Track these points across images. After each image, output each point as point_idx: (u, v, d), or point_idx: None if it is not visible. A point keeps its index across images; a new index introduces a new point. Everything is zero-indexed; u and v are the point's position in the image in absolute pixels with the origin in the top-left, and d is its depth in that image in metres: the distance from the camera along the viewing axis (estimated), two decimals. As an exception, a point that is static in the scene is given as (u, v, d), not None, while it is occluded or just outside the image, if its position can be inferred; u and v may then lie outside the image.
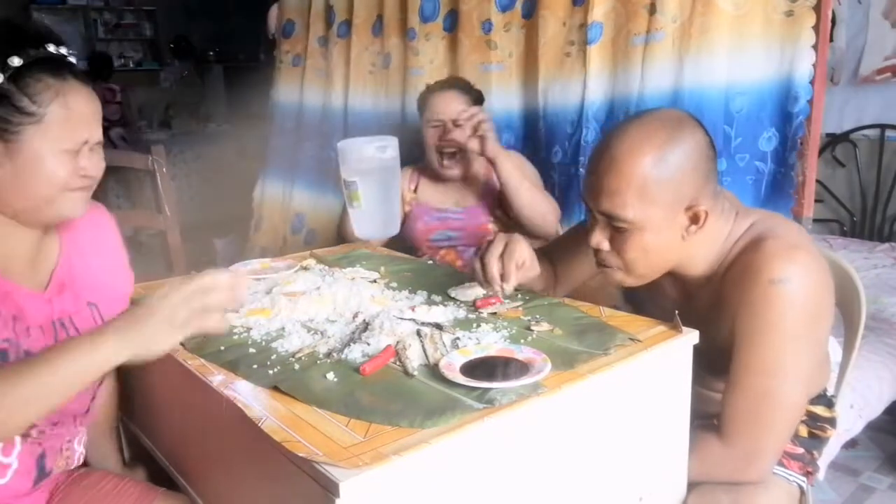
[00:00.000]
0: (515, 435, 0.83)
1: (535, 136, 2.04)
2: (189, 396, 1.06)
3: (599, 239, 1.09)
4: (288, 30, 2.91)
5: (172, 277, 1.52)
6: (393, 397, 0.85)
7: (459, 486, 0.79)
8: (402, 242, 1.92)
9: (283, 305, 1.18)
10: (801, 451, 1.18)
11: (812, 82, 1.52)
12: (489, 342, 1.01)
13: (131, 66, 6.95)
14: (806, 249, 1.02)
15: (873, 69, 3.13)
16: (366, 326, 1.07)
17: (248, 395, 0.89)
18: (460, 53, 2.17)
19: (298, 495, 0.77)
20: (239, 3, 6.29)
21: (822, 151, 3.23)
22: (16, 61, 0.91)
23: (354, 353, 0.98)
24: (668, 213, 1.03)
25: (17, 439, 0.99)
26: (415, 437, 0.76)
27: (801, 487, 1.16)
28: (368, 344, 1.01)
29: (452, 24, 2.22)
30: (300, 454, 0.72)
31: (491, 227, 1.90)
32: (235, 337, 1.10)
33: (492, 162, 1.76)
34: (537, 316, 1.13)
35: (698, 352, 1.04)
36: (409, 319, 1.08)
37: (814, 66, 1.51)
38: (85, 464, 1.19)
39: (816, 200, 2.02)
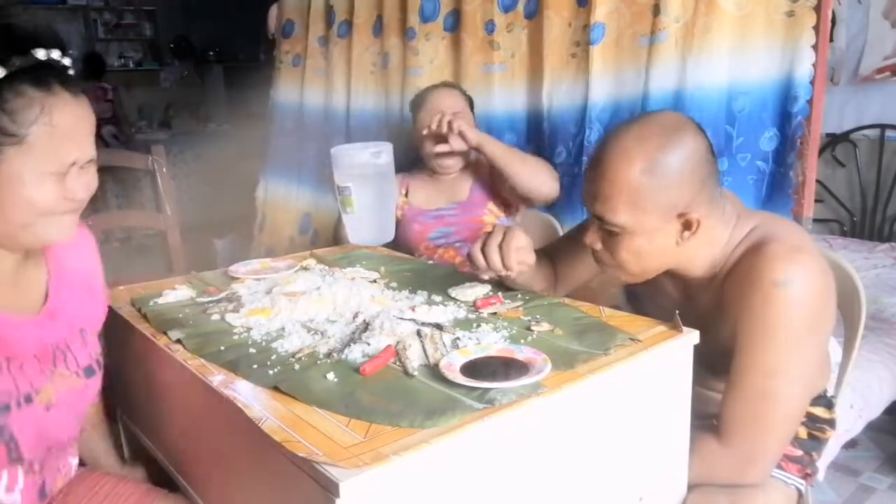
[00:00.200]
0: (515, 435, 0.83)
1: (538, 136, 2.04)
2: (189, 396, 1.06)
3: (593, 239, 1.11)
4: (288, 30, 2.91)
5: (172, 277, 1.53)
6: (393, 397, 0.85)
7: (459, 486, 0.79)
8: (398, 249, 1.93)
9: (283, 305, 1.18)
10: (799, 453, 1.18)
11: (812, 82, 1.52)
12: (489, 342, 1.01)
13: (131, 66, 6.95)
14: (808, 252, 1.02)
15: (873, 69, 3.13)
16: (366, 326, 1.07)
17: (248, 395, 0.89)
18: (463, 53, 2.17)
19: (298, 495, 0.77)
20: (239, 3, 6.28)
21: (822, 151, 3.23)
22: None
23: (354, 353, 0.98)
24: (659, 219, 1.03)
25: (20, 476, 0.97)
26: (415, 437, 0.76)
27: (799, 490, 1.16)
28: (368, 344, 1.01)
29: (454, 24, 2.22)
30: (300, 454, 0.72)
31: (486, 218, 1.91)
32: (235, 337, 1.10)
33: (479, 149, 1.78)
34: (537, 316, 1.13)
35: (699, 352, 1.04)
36: (409, 319, 1.08)
37: (814, 66, 1.51)
38: (82, 463, 1.19)
39: (816, 200, 2.02)
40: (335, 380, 0.91)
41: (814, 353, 1.06)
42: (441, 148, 1.84)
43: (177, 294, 1.32)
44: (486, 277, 1.25)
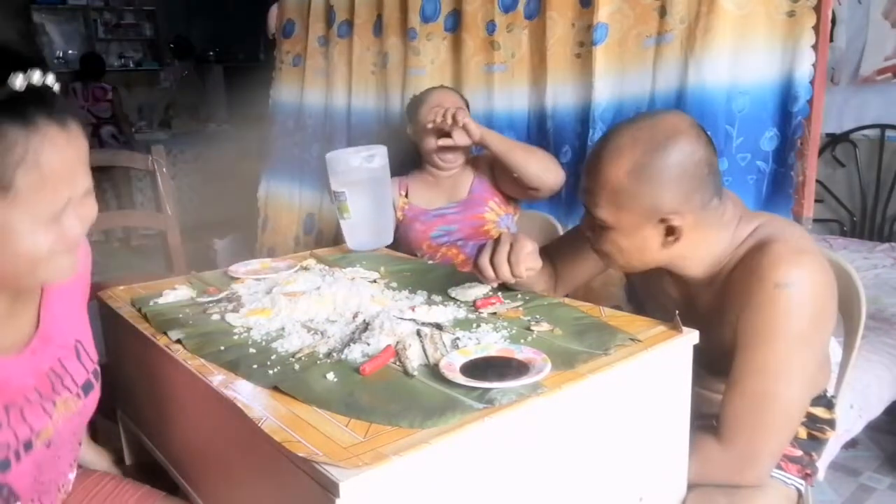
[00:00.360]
0: (515, 435, 0.83)
1: (541, 136, 2.05)
2: (189, 396, 1.06)
3: (584, 227, 1.15)
4: (288, 30, 2.91)
5: (172, 277, 1.53)
6: (393, 397, 0.85)
7: (459, 486, 0.79)
8: (400, 249, 1.93)
9: (283, 305, 1.18)
10: (799, 453, 1.18)
11: (812, 82, 1.52)
12: (489, 342, 1.01)
13: (131, 66, 6.96)
14: (811, 253, 1.02)
15: (874, 69, 3.14)
16: (366, 326, 1.07)
17: (248, 395, 0.89)
18: (464, 53, 2.17)
19: (298, 495, 0.77)
20: (239, 3, 6.30)
21: (822, 151, 3.23)
22: None
23: (354, 353, 0.98)
24: (640, 220, 1.04)
25: None
26: (415, 437, 0.76)
27: (798, 490, 1.16)
28: (368, 344, 1.01)
29: (455, 24, 2.22)
30: (300, 454, 0.72)
31: (487, 215, 1.91)
32: (235, 337, 1.10)
33: (483, 142, 1.78)
34: (537, 316, 1.13)
35: (700, 352, 1.04)
36: (409, 319, 1.08)
37: (814, 66, 1.51)
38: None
39: (816, 200, 2.02)
40: (335, 380, 0.91)
41: (815, 354, 1.06)
42: (445, 142, 1.84)
43: (177, 294, 1.32)
44: (494, 286, 1.25)
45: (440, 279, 1.36)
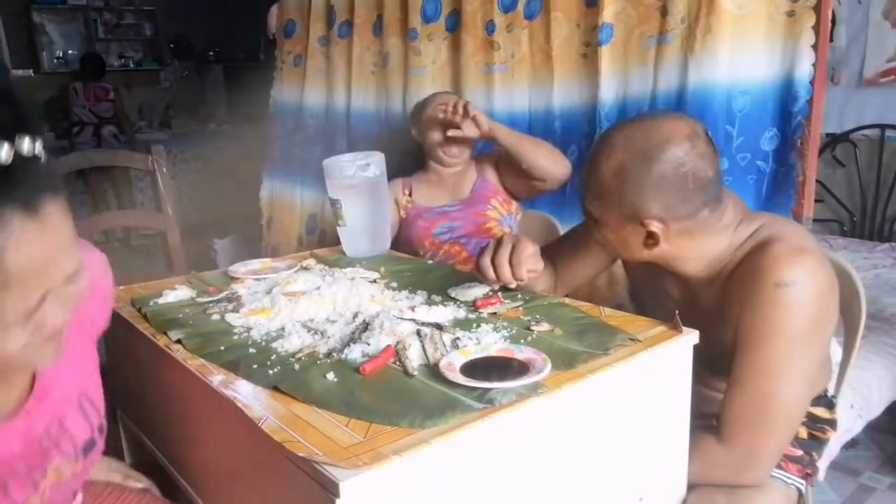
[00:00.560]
0: (515, 435, 0.83)
1: (547, 135, 2.05)
2: (189, 396, 1.06)
3: (584, 212, 1.17)
4: (289, 30, 2.91)
5: (172, 277, 1.53)
6: (393, 397, 0.85)
7: (459, 486, 0.79)
8: (403, 248, 1.94)
9: (283, 305, 1.18)
10: (799, 453, 1.18)
11: (812, 82, 1.52)
12: (489, 342, 1.01)
13: (131, 66, 6.95)
14: (812, 253, 1.02)
15: (877, 71, 3.13)
16: (366, 326, 1.07)
17: (248, 395, 0.89)
18: (464, 53, 2.17)
19: (298, 495, 0.77)
20: (239, 3, 6.29)
21: (822, 151, 3.23)
22: None
23: (354, 353, 0.98)
24: (620, 220, 1.07)
25: None
26: (415, 437, 0.76)
27: (799, 490, 1.16)
28: (368, 344, 1.01)
29: (454, 24, 2.22)
30: (300, 454, 0.72)
31: (489, 213, 1.93)
32: (235, 337, 1.10)
33: (491, 135, 1.81)
34: (537, 316, 1.13)
35: (700, 351, 1.04)
36: (409, 319, 1.08)
37: (814, 66, 1.51)
38: None
39: (816, 200, 2.02)
40: (335, 380, 0.91)
41: (815, 354, 1.06)
42: (454, 133, 1.86)
43: (177, 294, 1.32)
44: (496, 287, 1.25)
45: (440, 279, 1.36)
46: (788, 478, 1.15)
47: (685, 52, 1.65)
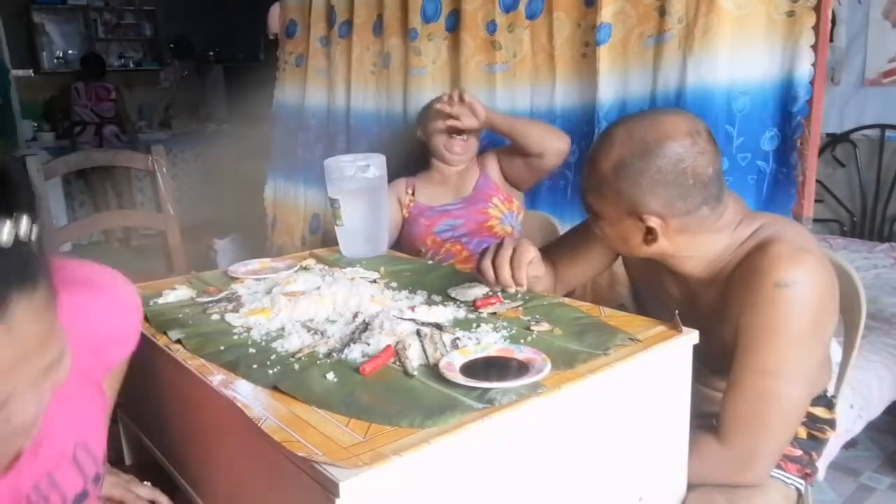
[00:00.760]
0: (515, 435, 0.83)
1: None
2: (189, 396, 1.06)
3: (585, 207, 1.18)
4: (291, 30, 2.91)
5: (172, 277, 1.53)
6: (393, 397, 0.85)
7: (459, 486, 0.79)
8: (405, 247, 1.94)
9: (283, 305, 1.18)
10: (799, 453, 1.18)
11: (812, 82, 1.52)
12: (489, 342, 1.01)
13: (131, 66, 6.96)
14: (812, 253, 1.02)
15: (878, 72, 3.14)
16: (366, 326, 1.07)
17: (248, 395, 0.89)
18: (464, 53, 2.17)
19: (298, 495, 0.77)
20: (239, 3, 6.29)
21: (822, 151, 3.23)
22: None
23: (354, 353, 0.98)
24: (619, 214, 1.07)
25: None
26: (415, 437, 0.76)
27: (798, 490, 1.16)
28: (368, 344, 1.01)
29: (455, 24, 2.22)
30: (300, 454, 0.72)
31: (491, 211, 1.94)
32: (235, 337, 1.10)
33: (488, 122, 1.86)
34: (537, 316, 1.13)
35: (701, 351, 1.04)
36: (409, 319, 1.08)
37: (814, 66, 1.51)
38: None
39: (816, 200, 2.02)
40: (335, 380, 0.91)
41: (815, 354, 1.06)
42: (453, 123, 1.89)
43: (177, 294, 1.32)
44: (496, 290, 1.24)
45: (440, 279, 1.36)
46: (788, 478, 1.15)
47: (684, 52, 1.66)
